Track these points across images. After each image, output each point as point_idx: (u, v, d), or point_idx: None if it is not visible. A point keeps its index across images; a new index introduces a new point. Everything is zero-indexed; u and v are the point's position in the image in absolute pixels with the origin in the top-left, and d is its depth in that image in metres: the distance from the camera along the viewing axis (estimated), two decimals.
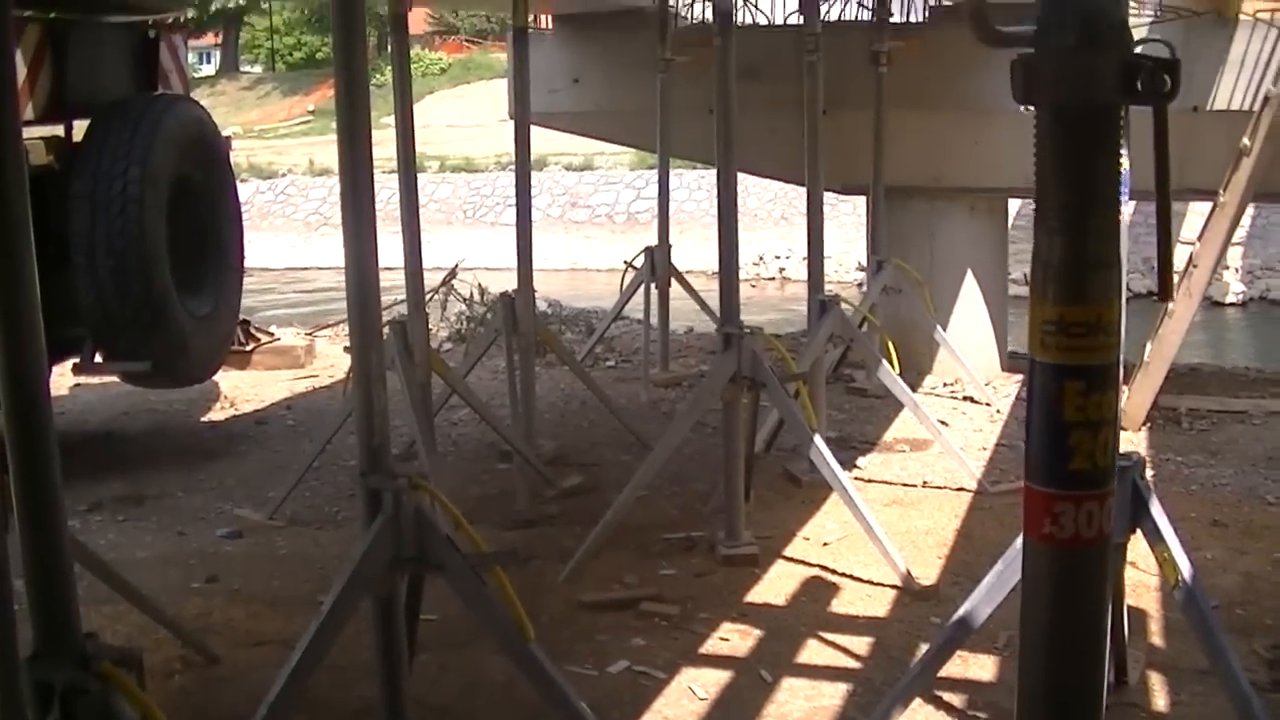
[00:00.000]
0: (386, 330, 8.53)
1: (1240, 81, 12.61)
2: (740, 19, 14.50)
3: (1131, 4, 13.42)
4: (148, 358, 9.94)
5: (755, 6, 14.71)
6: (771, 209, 37.83)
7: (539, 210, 38.24)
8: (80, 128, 10.40)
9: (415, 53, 57.32)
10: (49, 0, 10.33)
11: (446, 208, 39.69)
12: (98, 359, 10.14)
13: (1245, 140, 10.95)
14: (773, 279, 36.63)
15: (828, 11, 12.81)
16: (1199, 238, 11.71)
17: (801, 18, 13.39)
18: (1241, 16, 12.46)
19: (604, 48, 14.31)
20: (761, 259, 36.31)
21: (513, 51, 10.29)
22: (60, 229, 9.63)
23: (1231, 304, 29.81)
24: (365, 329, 4.77)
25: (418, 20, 61.83)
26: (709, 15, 14.44)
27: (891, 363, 10.19)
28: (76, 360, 10.09)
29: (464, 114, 49.43)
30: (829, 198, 33.25)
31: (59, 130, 10.52)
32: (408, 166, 8.92)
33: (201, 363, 10.64)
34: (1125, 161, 3.20)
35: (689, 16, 14.29)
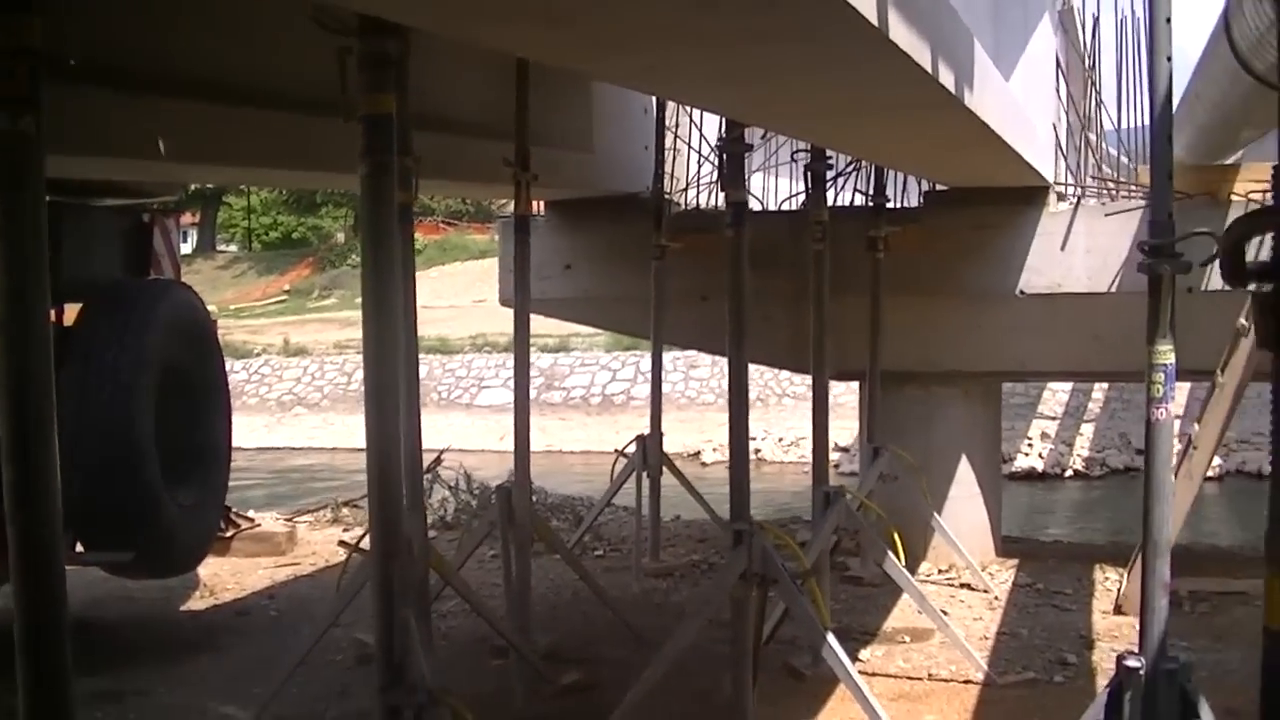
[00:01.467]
0: None
1: None
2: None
3: (1124, 190, 13.48)
4: (131, 548, 9.65)
5: (750, 194, 14.65)
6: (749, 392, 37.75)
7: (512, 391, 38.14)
8: (71, 312, 10.22)
9: None
10: None
11: (421, 389, 39.41)
12: (78, 548, 9.85)
13: (1242, 320, 10.88)
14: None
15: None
16: (1198, 420, 11.60)
17: (793, 204, 13.48)
18: (1234, 197, 12.52)
19: (596, 234, 14.24)
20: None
21: (514, 240, 10.12)
22: None
23: (1209, 478, 29.66)
24: (387, 537, 4.53)
25: None
26: (703, 202, 14.49)
27: (897, 553, 9.96)
28: None
29: (439, 295, 49.46)
30: (804, 381, 33.15)
31: (50, 314, 10.32)
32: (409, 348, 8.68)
33: (187, 554, 10.37)
34: None
35: (682, 203, 14.25)
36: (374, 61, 4.96)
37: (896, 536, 10.38)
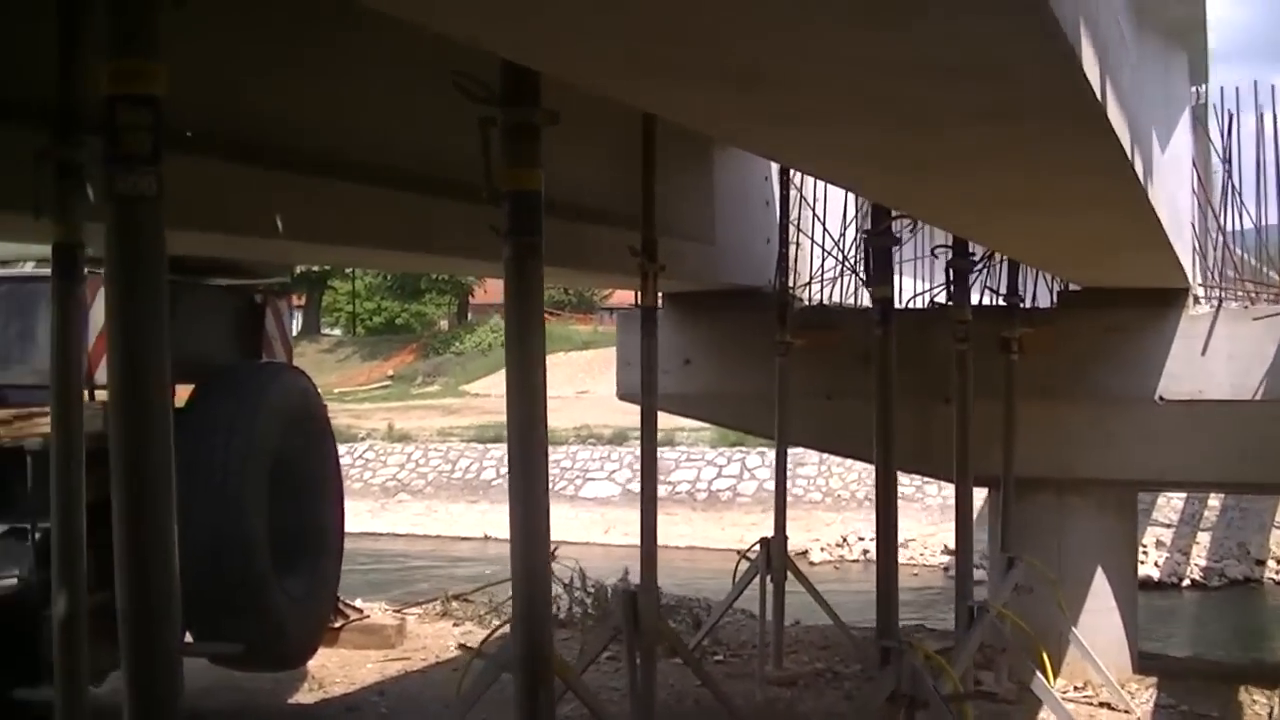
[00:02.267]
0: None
1: None
2: (852, 302, 14.12)
3: (1267, 292, 12.94)
4: (241, 640, 9.29)
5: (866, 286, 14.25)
6: (855, 489, 37.05)
7: (618, 485, 37.70)
8: (183, 394, 9.96)
9: (494, 321, 57.78)
10: None
11: None
12: (186, 639, 9.51)
13: None
14: (856, 561, 35.66)
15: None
16: None
17: (917, 302, 13.04)
18: None
19: (716, 329, 13.85)
20: (845, 540, 35.39)
21: (641, 333, 9.72)
22: None
23: None
24: (533, 655, 4.12)
25: (495, 290, 62.39)
26: (825, 298, 14.09)
27: (1045, 673, 9.39)
28: None
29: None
30: (913, 478, 32.56)
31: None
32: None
33: (298, 647, 10.04)
34: None
35: (804, 299, 13.85)
36: (520, 134, 4.63)
37: (1045, 657, 9.82)
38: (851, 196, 15.15)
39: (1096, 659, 11.79)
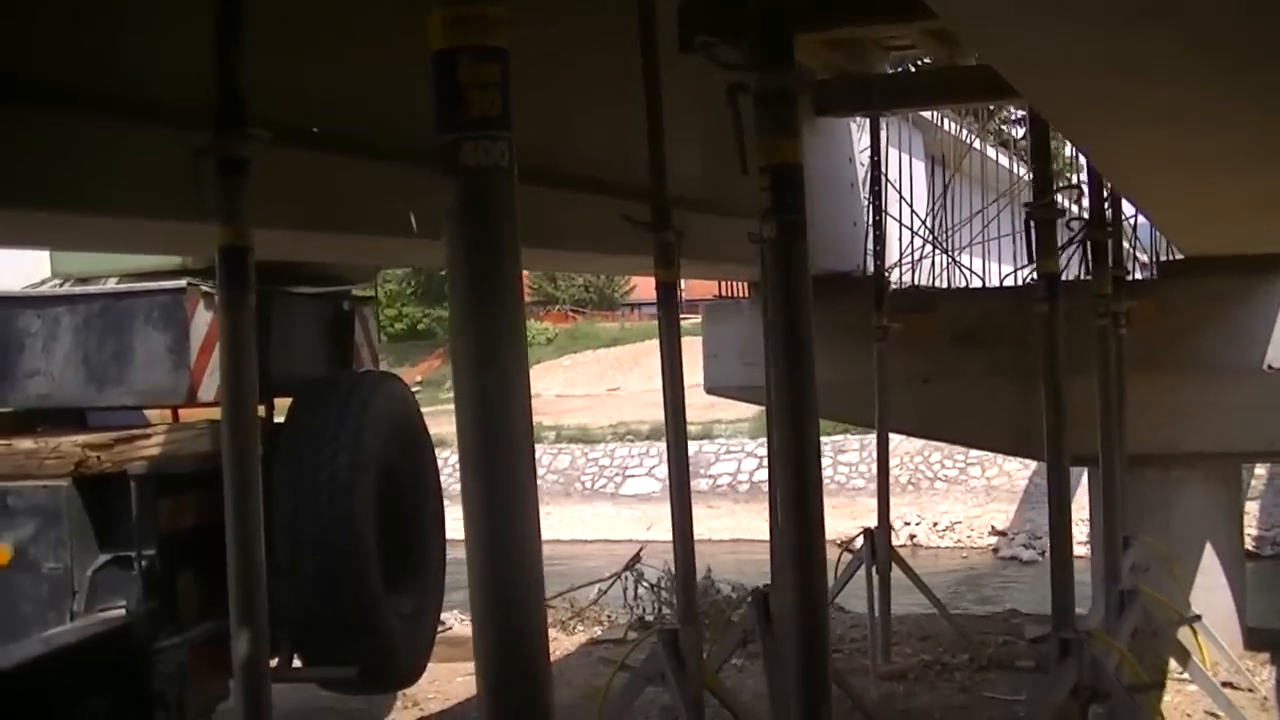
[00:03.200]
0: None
1: None
2: (952, 282, 13.77)
3: None
4: (355, 663, 8.91)
5: (969, 270, 13.90)
6: (898, 474, 36.71)
7: (658, 480, 37.35)
8: (281, 407, 9.63)
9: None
10: None
11: (565, 478, 38.86)
12: (296, 663, 9.17)
13: None
14: (903, 546, 35.32)
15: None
16: None
17: (1015, 279, 12.67)
18: None
19: None
20: (891, 527, 35.11)
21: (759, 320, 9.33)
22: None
23: None
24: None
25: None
26: (921, 280, 13.73)
27: (1202, 658, 9.03)
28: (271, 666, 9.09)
29: (573, 383, 48.95)
30: (955, 459, 32.32)
31: (259, 410, 9.73)
32: (678, 435, 7.97)
33: (410, 666, 9.68)
34: None
35: (899, 281, 13.47)
36: (777, 99, 4.25)
37: (1202, 643, 9.44)
38: (931, 176, 14.83)
39: (1218, 638, 11.41)
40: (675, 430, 7.83)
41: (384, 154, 6.32)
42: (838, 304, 12.99)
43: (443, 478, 10.45)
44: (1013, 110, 19.31)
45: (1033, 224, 7.17)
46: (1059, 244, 10.18)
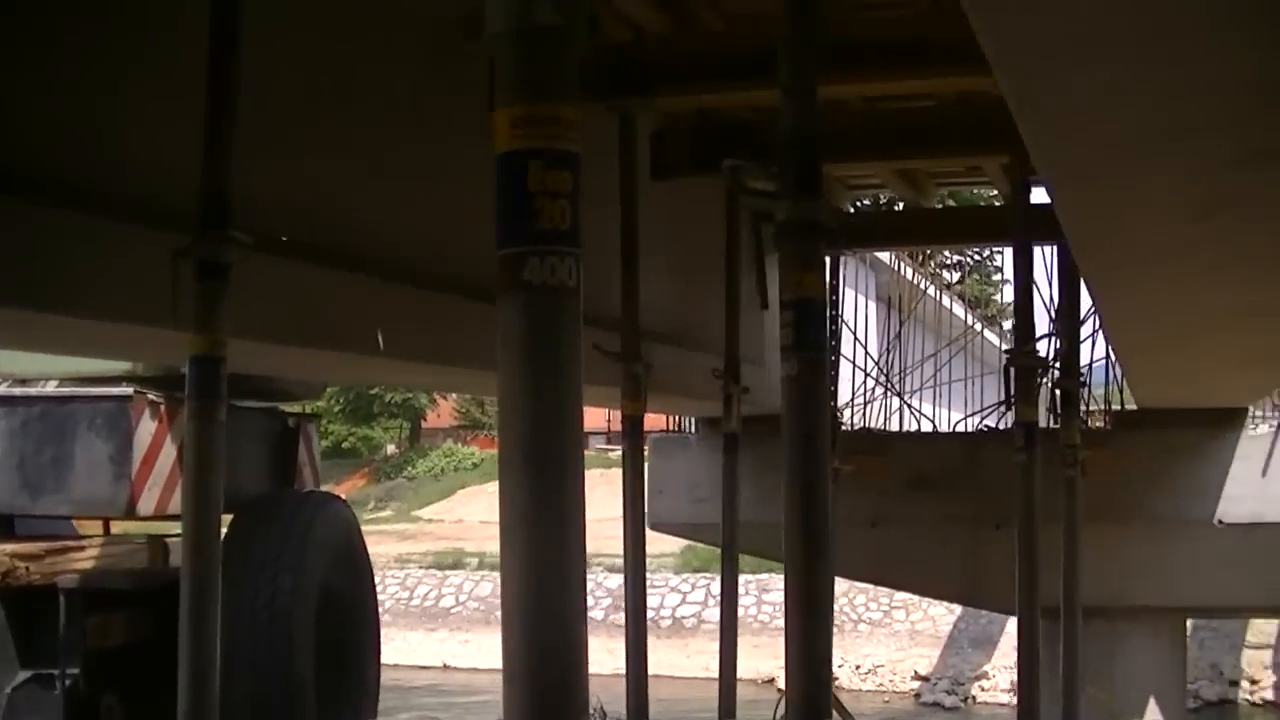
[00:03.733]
0: None
1: None
2: (904, 426, 13.66)
3: None
4: None
5: (920, 413, 13.78)
6: None
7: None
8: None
9: (447, 446, 56.99)
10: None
11: (487, 606, 38.27)
12: None
13: None
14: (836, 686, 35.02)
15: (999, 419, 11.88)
16: None
17: (967, 425, 12.59)
18: None
19: (755, 454, 13.29)
20: None
21: (723, 461, 9.15)
22: None
23: None
24: None
25: (445, 414, 61.71)
26: (872, 422, 13.60)
27: None
28: None
29: (497, 509, 48.49)
30: (880, 601, 32.14)
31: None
32: (636, 569, 7.72)
33: None
34: None
35: (850, 423, 13.33)
36: (804, 232, 4.05)
37: None
38: (884, 318, 14.78)
39: None
40: (634, 565, 7.59)
41: (371, 270, 6.15)
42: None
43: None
44: (948, 254, 19.44)
45: (1011, 371, 7.05)
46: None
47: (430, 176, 6.74)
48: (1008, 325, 23.31)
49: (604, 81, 7.19)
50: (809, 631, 4.16)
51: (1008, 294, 19.70)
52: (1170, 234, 5.19)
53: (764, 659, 31.93)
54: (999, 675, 30.82)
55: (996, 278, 41.75)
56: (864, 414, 13.70)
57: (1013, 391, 7.04)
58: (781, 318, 4.13)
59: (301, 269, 5.72)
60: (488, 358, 7.20)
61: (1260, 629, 30.83)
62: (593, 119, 7.99)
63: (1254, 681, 30.08)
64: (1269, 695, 29.42)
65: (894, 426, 13.88)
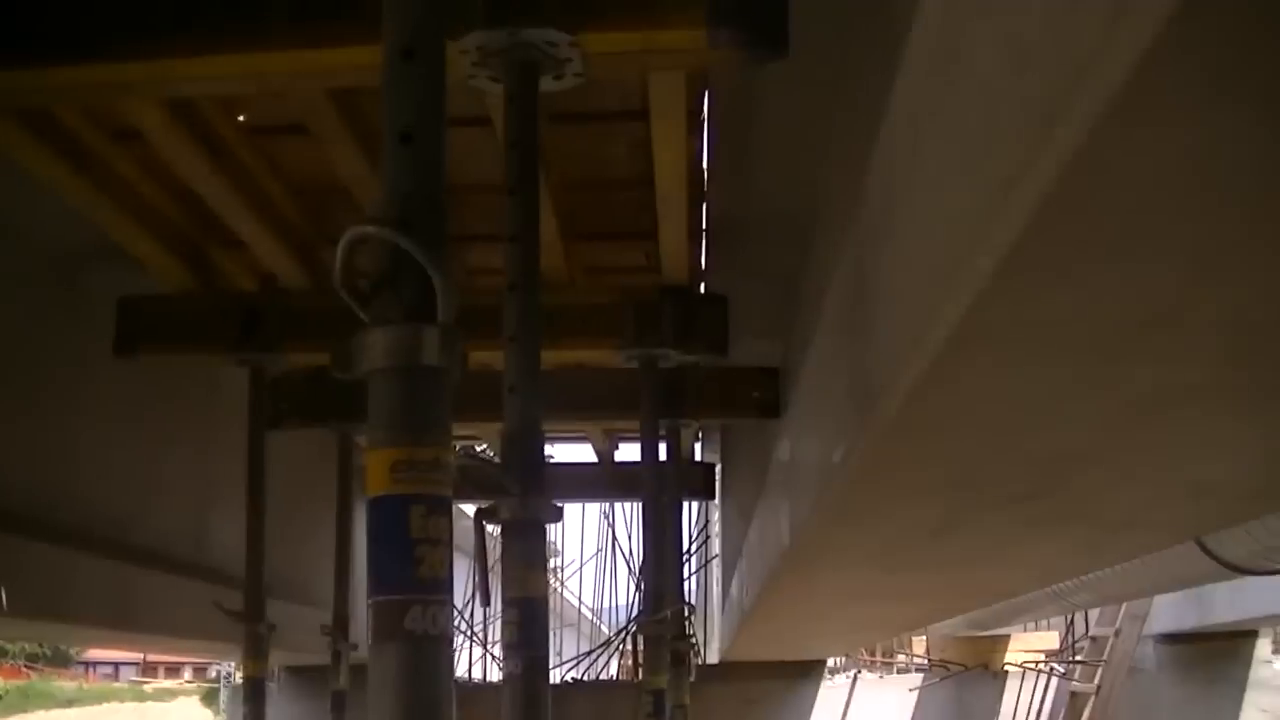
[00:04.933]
0: None
1: None
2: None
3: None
4: None
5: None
6: None
7: None
8: None
9: None
10: None
11: None
12: None
13: None
14: None
15: None
16: None
17: (556, 675, 12.53)
18: (1007, 668, 12.62)
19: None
20: None
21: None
22: None
23: None
24: None
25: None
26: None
27: None
28: None
29: None
30: None
31: None
32: None
33: None
34: None
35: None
36: (530, 531, 3.95)
37: None
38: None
39: None
40: None
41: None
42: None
43: None
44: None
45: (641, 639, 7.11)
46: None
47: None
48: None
49: (232, 335, 7.04)
50: None
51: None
52: None
53: None
54: None
55: None
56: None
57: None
58: (505, 614, 4.01)
59: None
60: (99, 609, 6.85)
61: None
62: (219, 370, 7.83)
63: None
64: None
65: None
